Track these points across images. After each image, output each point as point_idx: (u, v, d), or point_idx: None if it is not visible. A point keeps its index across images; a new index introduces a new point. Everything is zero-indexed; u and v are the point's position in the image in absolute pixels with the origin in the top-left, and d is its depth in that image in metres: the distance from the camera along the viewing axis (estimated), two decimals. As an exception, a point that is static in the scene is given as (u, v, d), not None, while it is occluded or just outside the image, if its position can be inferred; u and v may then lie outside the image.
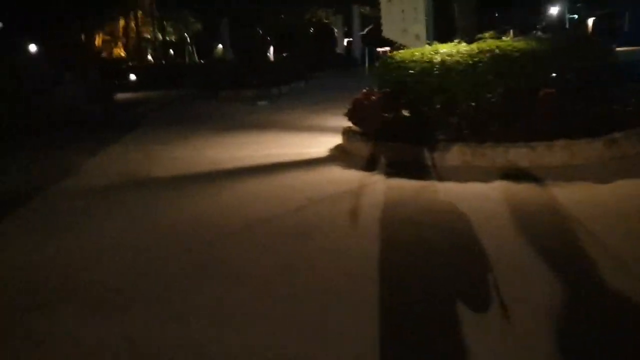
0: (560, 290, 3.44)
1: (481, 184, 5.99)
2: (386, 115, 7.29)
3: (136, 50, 40.21)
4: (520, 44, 6.96)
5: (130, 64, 36.00)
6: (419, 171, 6.64)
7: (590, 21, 33.97)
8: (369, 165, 7.04)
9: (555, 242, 4.24)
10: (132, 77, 29.13)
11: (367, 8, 38.95)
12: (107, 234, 5.16)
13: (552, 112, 6.49)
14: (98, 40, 40.31)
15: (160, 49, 43.42)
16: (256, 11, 31.20)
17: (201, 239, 4.80)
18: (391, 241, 4.48)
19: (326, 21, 45.59)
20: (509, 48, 6.85)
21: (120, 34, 42.10)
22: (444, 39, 8.34)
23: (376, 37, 39.73)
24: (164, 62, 40.06)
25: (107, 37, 41.51)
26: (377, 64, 8.15)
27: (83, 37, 36.30)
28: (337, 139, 8.91)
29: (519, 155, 6.52)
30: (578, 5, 43.98)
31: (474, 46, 7.08)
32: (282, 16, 38.89)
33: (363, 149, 7.67)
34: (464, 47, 7.18)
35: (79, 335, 3.28)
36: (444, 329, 3.08)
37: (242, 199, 6.05)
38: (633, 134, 6.63)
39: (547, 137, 6.48)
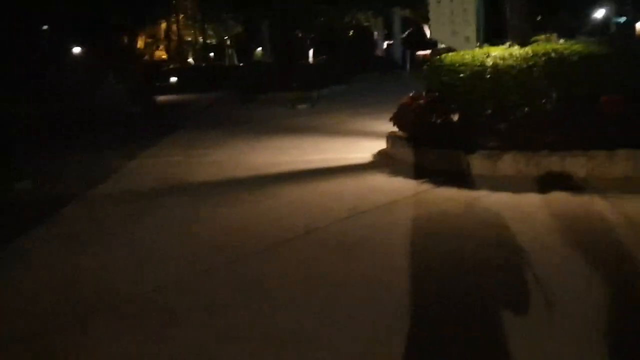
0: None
1: (537, 195, 5.64)
2: (434, 120, 6.98)
3: (177, 52, 40.58)
4: (578, 47, 6.57)
5: (171, 66, 36.30)
6: (470, 180, 6.32)
7: (639, 25, 32.86)
8: (416, 173, 6.74)
9: (632, 266, 3.89)
10: (173, 79, 29.29)
11: (408, 11, 38.58)
12: (145, 243, 4.97)
13: (615, 120, 6.09)
14: (140, 43, 40.77)
15: (200, 51, 43.71)
16: (296, 14, 31.08)
17: (243, 252, 4.56)
18: (446, 261, 4.16)
19: (366, 24, 45.28)
20: (567, 51, 6.47)
21: (162, 36, 42.53)
22: (493, 41, 8.00)
23: (416, 40, 39.40)
24: (204, 64, 40.30)
25: (149, 40, 41.98)
26: (425, 67, 7.82)
27: (126, 39, 36.71)
28: (379, 144, 8.63)
29: (577, 164, 6.14)
30: (626, 7, 42.73)
31: (529, 49, 6.72)
32: (322, 19, 38.71)
33: (409, 155, 7.36)
34: (517, 50, 6.82)
35: (117, 354, 3.07)
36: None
37: (283, 208, 5.80)
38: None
39: (607, 146, 6.09)
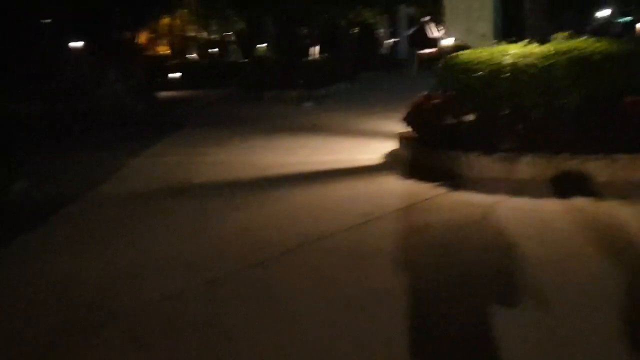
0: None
1: (557, 201, 5.36)
2: (449, 121, 6.69)
3: (180, 48, 40.28)
4: (601, 45, 6.28)
5: (173, 62, 36.01)
6: (486, 184, 6.04)
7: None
8: (430, 176, 6.45)
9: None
10: (175, 75, 29.00)
11: (413, 9, 38.20)
12: (146, 250, 4.71)
13: (638, 122, 5.82)
14: (142, 38, 40.44)
15: (203, 47, 43.39)
16: (301, 10, 30.76)
17: (251, 259, 4.30)
18: (468, 274, 3.90)
19: (371, 21, 44.96)
20: (589, 50, 6.18)
21: (165, 31, 42.20)
22: (509, 39, 7.71)
23: (420, 38, 39.07)
24: (207, 60, 39.99)
25: (152, 35, 41.62)
26: (438, 66, 7.52)
27: (128, 34, 36.41)
28: (390, 145, 8.35)
29: (598, 168, 5.86)
30: (630, 8, 42.38)
31: (550, 47, 6.42)
32: (326, 16, 38.39)
33: (422, 156, 7.09)
34: (536, 48, 6.53)
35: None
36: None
37: (292, 212, 5.53)
38: None
39: (630, 150, 5.82)
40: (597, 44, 6.31)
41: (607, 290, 3.44)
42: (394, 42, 38.79)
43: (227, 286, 3.85)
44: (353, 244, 4.55)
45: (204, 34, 41.70)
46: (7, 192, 7.04)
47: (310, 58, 26.47)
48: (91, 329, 3.34)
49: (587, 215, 4.92)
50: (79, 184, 7.34)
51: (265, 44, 37.65)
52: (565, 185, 5.74)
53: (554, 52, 6.26)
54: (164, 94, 21.96)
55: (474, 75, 6.57)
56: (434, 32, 42.03)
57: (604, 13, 42.39)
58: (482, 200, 5.50)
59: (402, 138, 7.84)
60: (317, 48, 36.78)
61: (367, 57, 33.28)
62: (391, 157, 7.87)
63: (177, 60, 37.10)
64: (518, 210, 5.14)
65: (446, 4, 7.94)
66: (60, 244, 4.98)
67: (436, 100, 7.02)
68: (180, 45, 40.26)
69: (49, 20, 17.19)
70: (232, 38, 44.86)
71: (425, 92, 7.51)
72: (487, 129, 6.51)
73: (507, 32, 7.93)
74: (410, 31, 37.67)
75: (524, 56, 6.39)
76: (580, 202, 5.28)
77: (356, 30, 42.53)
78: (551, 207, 5.19)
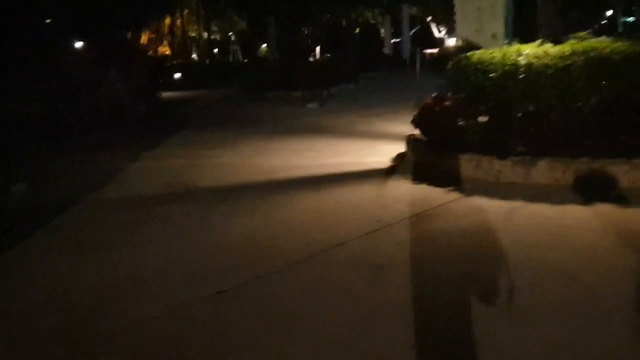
0: None
1: (579, 208, 5.13)
2: (461, 123, 6.46)
3: (181, 48, 40.10)
4: (620, 45, 6.04)
5: (174, 62, 35.81)
6: (502, 188, 5.81)
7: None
8: (442, 180, 6.23)
9: None
10: (177, 75, 28.80)
11: (415, 9, 37.99)
12: (148, 259, 4.48)
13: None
14: (144, 38, 40.23)
15: (205, 47, 43.21)
16: (302, 10, 30.54)
17: (259, 271, 4.07)
18: (488, 287, 3.67)
19: (373, 21, 44.77)
20: (608, 50, 5.95)
21: (166, 32, 42.02)
22: (520, 39, 7.49)
23: (422, 38, 38.79)
24: (208, 60, 39.81)
25: (153, 35, 41.44)
26: (448, 67, 7.29)
27: (129, 34, 36.19)
28: (397, 147, 8.15)
29: (619, 173, 5.64)
30: (634, 8, 42.17)
31: (566, 47, 6.19)
32: (328, 16, 38.18)
33: (432, 160, 6.87)
34: (552, 48, 6.30)
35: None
36: None
37: (300, 219, 5.30)
38: None
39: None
40: (616, 44, 6.07)
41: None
42: (395, 42, 38.54)
43: (235, 300, 3.62)
44: (366, 253, 4.32)
45: (205, 35, 41.51)
46: (5, 195, 6.82)
47: (311, 59, 26.32)
48: (89, 347, 3.12)
49: (614, 223, 4.69)
50: (78, 186, 7.12)
51: (266, 45, 37.49)
52: (586, 191, 5.52)
53: (570, 52, 6.03)
54: (165, 94, 21.73)
55: (488, 76, 6.35)
56: (436, 32, 41.91)
57: (608, 13, 42.25)
58: (499, 207, 5.27)
59: (411, 140, 7.62)
60: (318, 48, 36.58)
61: (369, 57, 33.07)
62: (400, 160, 7.66)
63: (178, 60, 36.93)
64: (538, 217, 4.91)
65: (456, 2, 7.68)
66: (58, 253, 4.75)
67: (447, 102, 6.79)
68: (182, 45, 40.06)
69: (49, 20, 16.97)
70: (233, 38, 44.70)
71: (434, 94, 7.29)
72: (501, 131, 6.29)
73: (518, 32, 7.68)
74: (413, 31, 37.44)
75: (539, 57, 6.16)
76: (603, 209, 5.05)
77: (358, 30, 42.40)
78: (573, 214, 4.96)
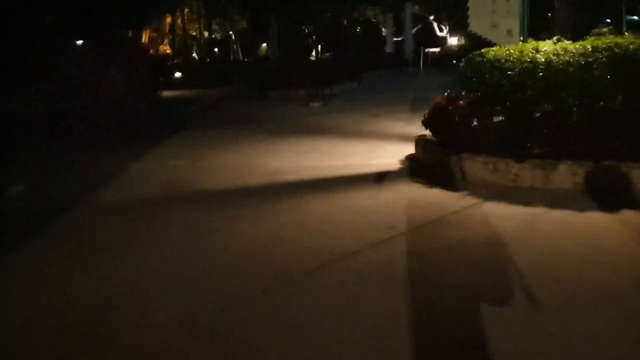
0: None
1: (604, 215, 4.84)
2: (476, 123, 6.16)
3: (182, 47, 39.81)
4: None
5: (175, 61, 35.53)
6: (520, 193, 5.52)
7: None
8: (456, 183, 5.94)
9: None
10: (178, 74, 28.50)
11: (417, 7, 37.66)
12: (149, 269, 4.19)
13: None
14: (145, 37, 39.95)
15: (205, 46, 42.93)
16: (304, 9, 30.26)
17: (264, 284, 3.77)
18: (517, 304, 3.37)
19: (374, 20, 44.43)
20: (632, 47, 5.65)
21: (167, 30, 41.71)
22: (534, 35, 7.20)
23: (425, 37, 38.47)
24: (208, 59, 39.54)
25: (154, 34, 41.12)
26: (461, 65, 6.98)
27: (130, 33, 35.90)
28: (406, 148, 7.87)
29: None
30: (639, 6, 41.83)
31: (586, 44, 5.90)
32: (330, 14, 37.86)
33: (445, 162, 6.55)
34: (572, 45, 6.00)
35: None
36: None
37: (307, 225, 5.00)
38: None
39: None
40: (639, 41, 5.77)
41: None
42: (399, 40, 38.26)
43: (239, 316, 3.33)
44: (380, 263, 4.03)
45: (206, 33, 41.24)
46: (4, 196, 6.53)
47: (313, 57, 26.04)
48: (89, 355, 2.86)
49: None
50: (78, 188, 6.85)
51: (266, 43, 37.24)
52: (609, 197, 5.22)
53: (591, 49, 5.73)
54: (166, 93, 21.44)
55: (505, 74, 6.05)
56: (438, 31, 41.60)
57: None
58: (519, 213, 4.98)
59: (421, 141, 7.32)
60: (318, 47, 36.34)
61: (372, 55, 32.76)
62: (409, 162, 7.37)
63: (178, 59, 36.66)
64: (562, 224, 4.62)
65: (470, -3, 7.36)
66: (56, 259, 4.47)
67: (460, 102, 6.49)
68: (182, 44, 39.78)
69: (49, 19, 16.72)
70: (234, 37, 44.40)
71: (446, 93, 7.01)
72: (519, 132, 5.99)
73: (533, 28, 7.37)
74: (415, 29, 37.15)
75: (558, 54, 5.87)
76: (630, 216, 4.77)
77: (359, 29, 42.08)
78: (598, 221, 4.67)
